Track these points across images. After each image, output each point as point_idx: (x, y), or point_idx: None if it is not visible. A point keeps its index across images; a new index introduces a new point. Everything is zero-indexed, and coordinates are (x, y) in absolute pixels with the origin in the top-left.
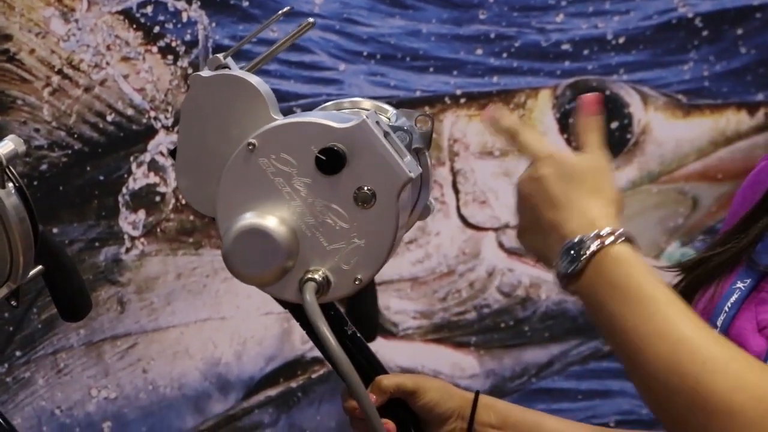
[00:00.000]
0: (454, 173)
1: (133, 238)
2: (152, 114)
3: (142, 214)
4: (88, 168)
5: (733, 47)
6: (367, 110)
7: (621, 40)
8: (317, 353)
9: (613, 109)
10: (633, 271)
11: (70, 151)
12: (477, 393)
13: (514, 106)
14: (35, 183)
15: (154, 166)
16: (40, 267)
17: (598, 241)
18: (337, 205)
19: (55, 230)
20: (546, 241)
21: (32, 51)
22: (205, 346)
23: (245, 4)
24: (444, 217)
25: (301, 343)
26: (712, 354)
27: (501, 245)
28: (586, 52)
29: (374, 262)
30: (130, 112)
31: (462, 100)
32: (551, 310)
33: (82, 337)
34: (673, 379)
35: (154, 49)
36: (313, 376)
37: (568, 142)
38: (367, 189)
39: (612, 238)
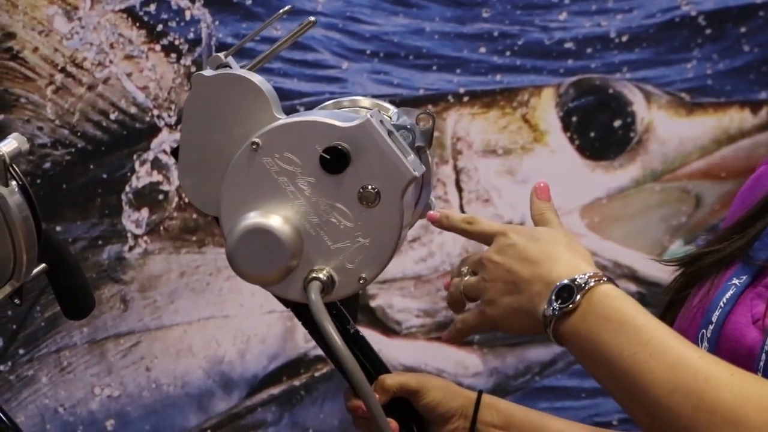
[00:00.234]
0: (458, 171)
1: (136, 237)
2: (155, 112)
3: (145, 212)
4: (92, 166)
5: (737, 45)
6: (368, 109)
7: (624, 39)
8: (320, 351)
9: (616, 107)
10: (623, 304)
11: (73, 149)
12: (480, 392)
13: (517, 104)
14: (38, 181)
15: (157, 165)
16: (43, 265)
17: (591, 280)
18: (342, 204)
19: (58, 228)
20: (528, 295)
21: (35, 49)
22: (208, 344)
23: (248, 2)
24: None
25: (304, 342)
26: (712, 371)
27: None
28: (589, 50)
29: (379, 261)
30: (133, 110)
31: (465, 99)
32: None
33: (85, 335)
34: (676, 399)
35: (158, 47)
36: (316, 374)
37: (571, 140)
38: (372, 188)
39: (600, 277)
